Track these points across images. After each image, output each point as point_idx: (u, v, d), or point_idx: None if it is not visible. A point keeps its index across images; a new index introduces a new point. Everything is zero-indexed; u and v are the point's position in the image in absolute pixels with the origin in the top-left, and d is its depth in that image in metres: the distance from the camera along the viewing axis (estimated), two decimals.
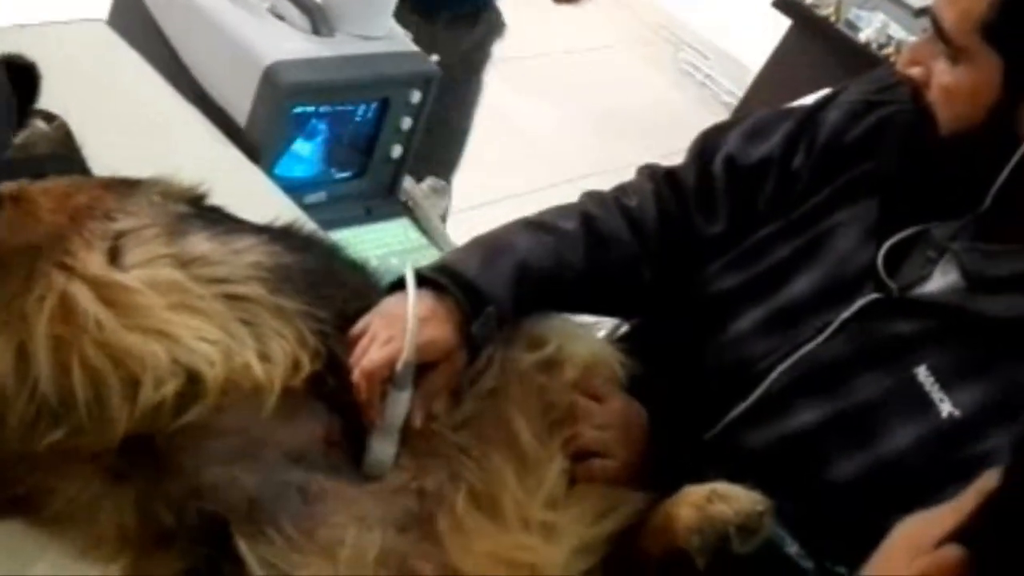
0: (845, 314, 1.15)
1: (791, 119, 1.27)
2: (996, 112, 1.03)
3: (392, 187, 1.94)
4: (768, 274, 1.23)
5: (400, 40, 1.91)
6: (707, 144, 1.31)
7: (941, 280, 1.12)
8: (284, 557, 1.05)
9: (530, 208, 1.32)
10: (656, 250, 1.29)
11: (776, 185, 1.24)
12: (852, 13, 3.97)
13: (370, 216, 1.91)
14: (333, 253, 1.33)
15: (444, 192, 2.01)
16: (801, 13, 3.98)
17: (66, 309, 1.05)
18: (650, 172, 1.34)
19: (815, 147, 1.23)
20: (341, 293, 1.21)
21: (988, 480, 0.57)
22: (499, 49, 2.40)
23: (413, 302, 1.11)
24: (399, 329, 1.10)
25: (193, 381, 1.05)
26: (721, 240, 1.28)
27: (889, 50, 3.88)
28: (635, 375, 1.25)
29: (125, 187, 1.23)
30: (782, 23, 4.07)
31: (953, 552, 0.48)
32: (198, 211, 1.25)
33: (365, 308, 1.19)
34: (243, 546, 1.05)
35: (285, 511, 1.08)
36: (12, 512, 1.06)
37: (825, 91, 1.31)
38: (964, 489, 0.92)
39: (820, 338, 1.16)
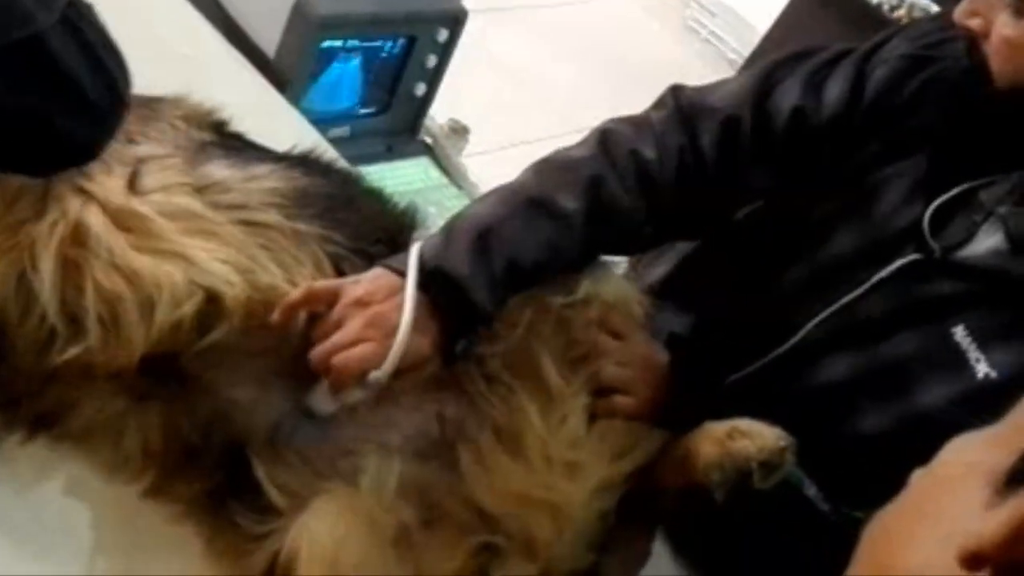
0: (884, 272, 1.10)
1: (844, 71, 1.18)
2: None
3: (414, 125, 1.90)
4: (812, 229, 1.17)
5: None
6: (765, 87, 1.20)
7: (985, 243, 1.06)
8: (304, 482, 1.02)
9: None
10: (665, 209, 1.20)
11: (837, 144, 1.17)
12: None
13: (391, 153, 1.87)
14: (351, 179, 1.27)
15: (464, 132, 1.98)
16: None
17: (78, 234, 1.00)
18: (681, 113, 1.21)
19: (863, 104, 1.15)
20: (356, 217, 1.16)
21: None
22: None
23: (408, 319, 1.02)
24: (380, 333, 1.02)
25: (213, 301, 1.01)
26: (767, 191, 1.21)
27: (900, 12, 3.80)
28: (662, 318, 1.24)
29: (148, 110, 1.16)
30: None
31: None
32: (219, 137, 1.20)
33: (379, 231, 1.15)
34: (261, 470, 1.02)
35: (307, 436, 1.06)
36: (38, 428, 1.02)
37: (872, 39, 1.21)
38: None
39: (857, 292, 1.11)
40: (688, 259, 1.33)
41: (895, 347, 1.09)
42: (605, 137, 1.20)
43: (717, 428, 1.07)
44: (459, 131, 1.94)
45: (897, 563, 0.49)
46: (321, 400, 1.04)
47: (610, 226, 1.16)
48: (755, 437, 1.04)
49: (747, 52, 4.34)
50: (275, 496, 1.02)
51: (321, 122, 1.71)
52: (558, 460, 1.07)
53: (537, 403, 1.08)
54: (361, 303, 1.03)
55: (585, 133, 1.22)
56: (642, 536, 1.12)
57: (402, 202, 1.22)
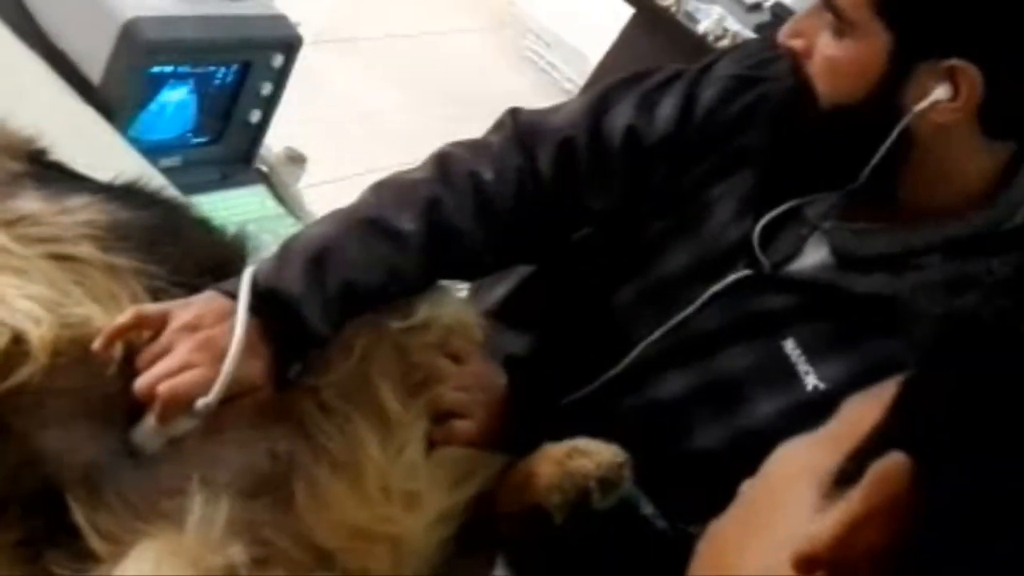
0: (716, 288, 1.11)
1: (675, 92, 1.18)
2: (879, 87, 0.99)
3: (249, 154, 1.84)
4: (643, 249, 1.17)
5: (264, 3, 1.80)
6: (600, 109, 1.20)
7: (812, 257, 1.08)
8: (125, 526, 0.95)
9: None
10: (504, 231, 1.18)
11: (669, 163, 1.17)
12: (691, 5, 4.03)
13: (226, 182, 1.81)
14: (177, 210, 1.21)
15: (301, 161, 1.94)
16: (643, 3, 4.02)
17: None
18: (519, 136, 1.21)
19: (694, 123, 1.16)
20: (180, 249, 1.10)
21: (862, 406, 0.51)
22: (346, 30, 2.30)
23: (238, 343, 0.98)
24: (209, 357, 0.97)
25: (18, 341, 0.94)
26: (600, 213, 1.20)
27: (725, 42, 3.94)
28: (502, 340, 1.23)
29: None
30: (623, 13, 4.10)
31: (896, 461, 0.42)
32: (35, 168, 1.13)
33: (205, 262, 1.10)
34: (79, 515, 0.95)
35: (128, 477, 0.99)
36: None
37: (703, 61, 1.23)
38: None
39: (690, 310, 1.12)
40: (527, 281, 1.33)
41: (728, 362, 1.11)
42: (443, 160, 1.18)
43: (556, 449, 1.06)
44: (296, 160, 1.91)
45: (733, 573, 0.49)
46: (146, 435, 0.98)
47: (448, 248, 1.14)
48: (593, 455, 1.04)
49: (582, 81, 4.43)
50: (94, 542, 0.95)
51: (152, 151, 1.64)
52: (397, 491, 1.03)
53: (375, 432, 1.05)
54: (190, 327, 0.99)
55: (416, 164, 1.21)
56: (483, 564, 1.10)
57: (233, 231, 1.18)
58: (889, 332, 1.02)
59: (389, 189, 1.16)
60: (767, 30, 4.02)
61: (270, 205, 1.81)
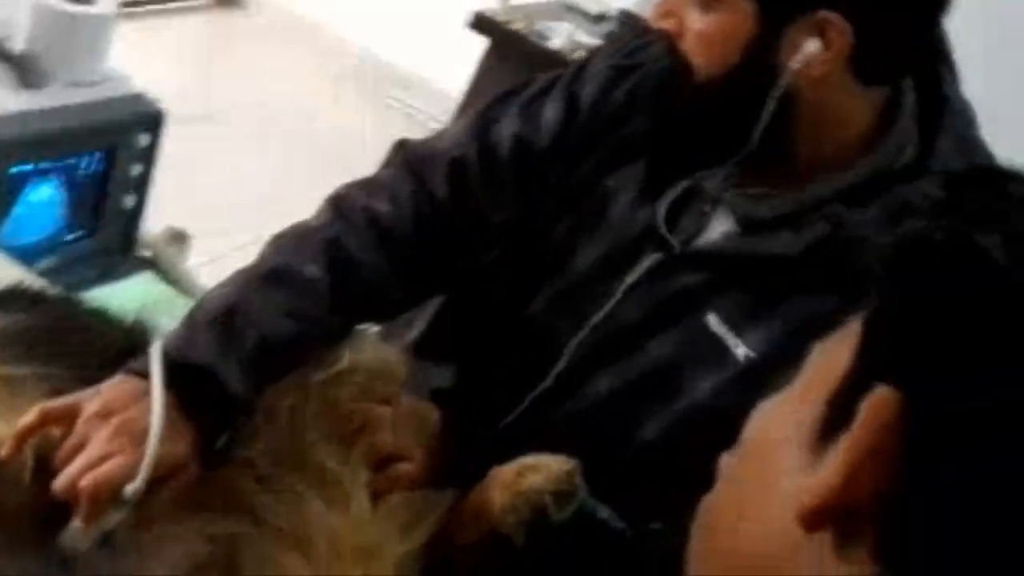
0: (631, 278, 1.10)
1: (556, 95, 1.18)
2: (752, 51, 1.00)
3: (128, 241, 1.78)
4: (551, 254, 1.16)
5: (121, 82, 1.74)
6: (484, 124, 1.18)
7: (718, 229, 1.08)
8: None
9: None
10: (408, 262, 1.16)
11: (561, 165, 1.16)
12: (540, 25, 4.07)
13: (109, 275, 1.74)
14: (66, 306, 1.16)
15: (184, 239, 1.88)
16: (497, 30, 4.04)
17: None
18: (408, 165, 1.19)
19: (579, 121, 1.16)
20: (75, 345, 1.06)
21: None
22: (205, 107, 2.22)
23: (158, 421, 0.92)
24: (128, 442, 0.92)
25: None
26: (503, 227, 1.18)
27: (579, 54, 3.99)
28: (425, 376, 1.19)
29: None
30: (478, 43, 4.11)
31: (883, 395, 0.39)
32: None
33: (106, 352, 1.05)
34: None
35: None
36: None
37: (577, 62, 1.24)
38: None
39: (609, 306, 1.10)
40: (440, 313, 1.30)
41: (657, 350, 1.09)
42: (337, 201, 1.16)
43: (504, 471, 1.03)
44: (179, 238, 1.84)
45: (739, 547, 0.46)
46: (76, 537, 0.92)
47: (355, 286, 1.11)
48: (542, 469, 1.01)
49: (447, 118, 4.42)
50: None
51: (25, 255, 1.56)
52: (349, 550, 0.99)
53: (316, 494, 1.00)
54: (103, 415, 0.93)
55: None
56: None
57: (131, 318, 1.12)
58: (804, 290, 1.02)
59: (287, 239, 1.13)
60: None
61: (160, 289, 1.74)
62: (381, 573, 0.99)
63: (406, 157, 1.20)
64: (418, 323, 1.29)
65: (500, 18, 4.04)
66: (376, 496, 1.05)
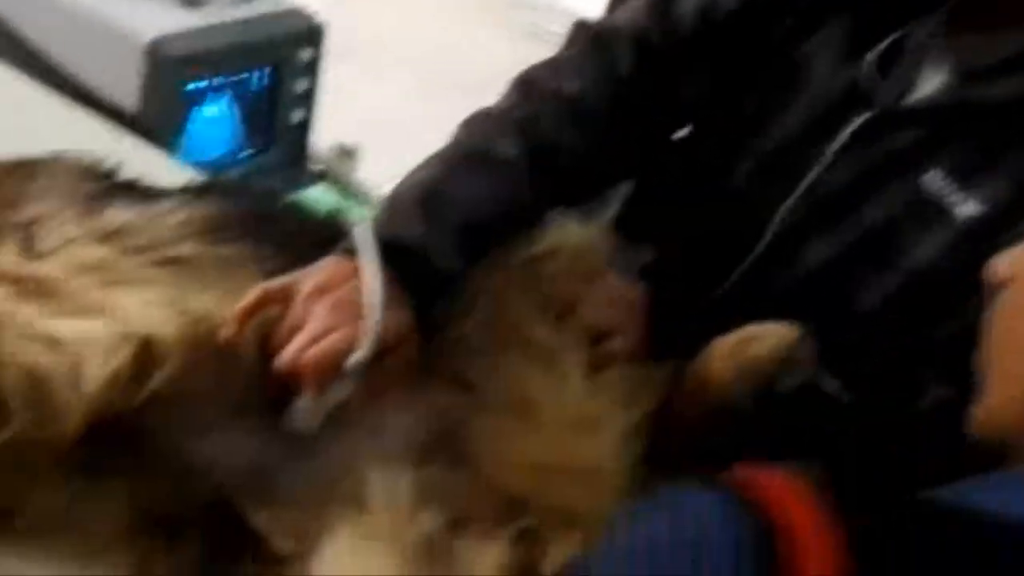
0: (839, 141, 1.03)
1: None
2: None
3: (300, 155, 1.79)
4: (748, 124, 1.09)
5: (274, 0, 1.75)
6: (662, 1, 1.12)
7: (931, 82, 1.00)
8: (307, 518, 0.87)
9: None
10: (602, 142, 1.11)
11: (751, 30, 1.09)
12: None
13: (285, 190, 1.75)
14: (265, 197, 1.18)
15: (353, 153, 1.86)
16: None
17: None
18: (592, 43, 1.13)
19: None
20: (281, 230, 1.04)
21: None
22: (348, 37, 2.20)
23: (378, 292, 0.90)
24: (348, 317, 0.90)
25: (146, 346, 0.87)
26: (695, 100, 1.13)
27: None
28: (627, 252, 1.14)
29: (24, 171, 1.06)
30: None
31: None
32: (111, 185, 1.06)
33: (311, 238, 1.03)
34: (256, 519, 0.87)
35: (294, 467, 0.91)
36: None
37: None
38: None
39: (817, 171, 1.04)
40: (636, 192, 1.25)
41: (872, 214, 1.03)
42: (525, 83, 1.12)
43: (727, 341, 0.98)
44: (348, 153, 1.83)
45: None
46: (302, 415, 0.91)
47: (553, 167, 1.07)
48: (767, 338, 0.96)
49: None
50: (279, 542, 0.88)
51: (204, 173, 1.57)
52: (573, 420, 0.95)
53: (533, 367, 0.97)
54: (320, 291, 0.91)
55: None
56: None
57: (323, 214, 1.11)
58: None
59: (479, 122, 1.09)
60: None
61: (335, 200, 1.73)
62: (606, 444, 0.95)
63: (588, 36, 1.15)
64: (614, 203, 1.24)
65: None
66: (591, 371, 1.00)
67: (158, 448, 0.91)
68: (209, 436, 0.91)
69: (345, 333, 0.89)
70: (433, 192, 0.99)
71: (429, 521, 0.89)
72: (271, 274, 0.96)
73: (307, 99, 1.74)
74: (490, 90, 1.14)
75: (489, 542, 0.90)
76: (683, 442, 1.00)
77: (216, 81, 1.59)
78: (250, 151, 1.72)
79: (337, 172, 1.77)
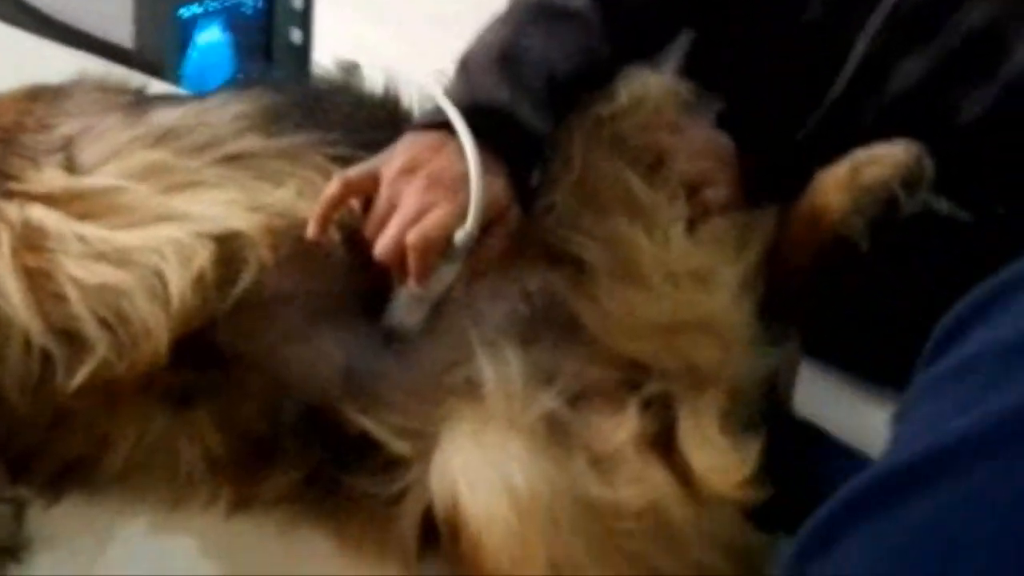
0: None
1: None
2: None
3: (303, 77, 1.69)
4: None
5: None
6: None
7: None
8: (420, 416, 0.81)
9: None
10: None
11: None
12: None
13: None
14: (310, 86, 1.05)
15: (357, 69, 1.76)
16: None
17: (31, 239, 0.78)
18: None
19: None
20: (340, 114, 0.96)
21: None
22: None
23: (475, 160, 0.81)
24: (444, 192, 0.82)
25: (228, 244, 0.80)
26: None
27: None
28: (705, 100, 1.06)
29: (53, 93, 0.96)
30: None
31: None
32: (146, 96, 0.98)
33: (372, 118, 0.96)
34: (364, 423, 0.80)
35: (396, 365, 0.84)
36: (73, 482, 0.80)
37: None
38: None
39: None
40: (697, 42, 1.16)
41: (967, 20, 0.95)
42: None
43: (835, 172, 0.91)
44: (352, 70, 1.73)
45: None
46: (407, 307, 0.83)
47: (623, 14, 0.99)
48: (882, 160, 0.89)
49: None
50: (395, 445, 0.81)
51: None
52: (683, 274, 0.88)
53: (634, 224, 0.89)
54: (408, 171, 0.82)
55: None
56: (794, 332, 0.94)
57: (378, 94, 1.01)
58: None
59: None
60: None
61: None
62: (723, 297, 0.88)
63: None
64: (675, 53, 1.15)
65: None
66: (691, 224, 0.93)
67: (244, 363, 0.83)
68: (301, 343, 0.84)
69: (446, 209, 0.80)
70: (509, 53, 0.91)
71: (549, 399, 0.82)
72: (341, 160, 0.88)
73: (303, 18, 1.64)
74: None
75: (617, 413, 0.83)
76: (798, 287, 0.93)
77: (209, 5, 1.49)
78: (252, 75, 1.62)
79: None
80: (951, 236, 0.94)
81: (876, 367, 0.98)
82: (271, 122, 0.89)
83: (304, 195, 0.83)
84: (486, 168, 0.82)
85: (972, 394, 0.45)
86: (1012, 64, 0.94)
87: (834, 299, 0.95)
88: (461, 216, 0.80)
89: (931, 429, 0.44)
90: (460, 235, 0.79)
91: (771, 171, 1.00)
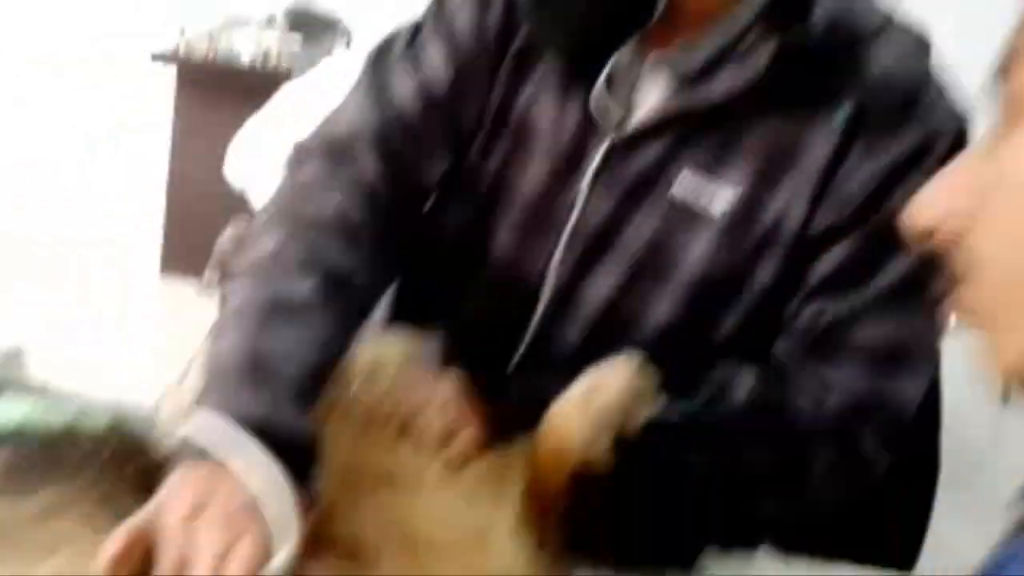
0: (587, 178, 1.06)
1: (429, 38, 1.12)
2: None
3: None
4: (494, 187, 1.10)
5: None
6: (379, 92, 1.12)
7: (652, 97, 1.04)
8: None
9: None
10: (377, 248, 1.08)
11: (473, 100, 1.11)
12: (223, 44, 3.87)
13: None
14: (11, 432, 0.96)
15: (19, 354, 1.63)
16: (181, 62, 3.81)
17: None
18: (329, 158, 1.10)
19: (464, 53, 1.10)
20: (75, 458, 0.88)
21: None
22: None
23: (267, 475, 0.81)
24: (242, 519, 0.78)
25: None
26: (443, 177, 1.13)
27: (273, 62, 3.83)
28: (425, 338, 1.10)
29: None
30: (166, 78, 3.86)
31: None
32: None
33: (113, 458, 0.89)
34: None
35: None
36: None
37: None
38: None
39: (576, 213, 1.06)
40: (400, 289, 1.22)
41: (636, 234, 1.06)
42: (280, 217, 1.07)
43: (568, 404, 0.95)
44: (14, 355, 1.60)
45: None
46: None
47: (350, 290, 1.03)
48: (610, 383, 0.95)
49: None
50: None
51: None
52: (459, 538, 0.90)
53: (403, 498, 0.91)
54: (198, 508, 0.78)
55: None
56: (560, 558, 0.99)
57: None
58: (761, 112, 1.02)
59: (258, 269, 1.01)
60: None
61: (29, 401, 1.50)
62: (499, 549, 0.92)
63: (322, 153, 1.12)
64: (379, 313, 1.19)
65: (182, 49, 3.83)
66: (453, 473, 0.97)
67: None
68: None
69: (255, 537, 0.77)
70: (253, 358, 0.90)
71: None
72: (89, 517, 0.82)
73: None
74: None
75: None
76: (560, 512, 0.99)
77: None
78: None
79: (11, 377, 1.55)
80: (669, 432, 1.02)
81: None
82: (11, 483, 0.82)
83: (79, 564, 0.76)
84: (275, 482, 0.81)
85: None
86: (681, 270, 1.06)
87: (596, 515, 1.00)
88: (269, 541, 0.78)
89: None
90: (277, 562, 0.77)
91: (513, 398, 1.06)
